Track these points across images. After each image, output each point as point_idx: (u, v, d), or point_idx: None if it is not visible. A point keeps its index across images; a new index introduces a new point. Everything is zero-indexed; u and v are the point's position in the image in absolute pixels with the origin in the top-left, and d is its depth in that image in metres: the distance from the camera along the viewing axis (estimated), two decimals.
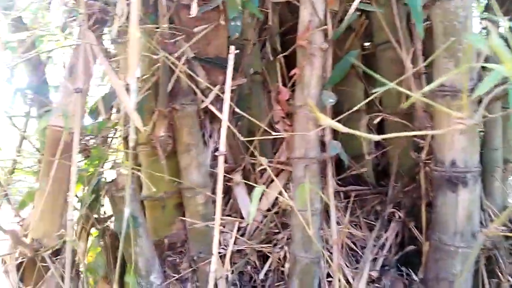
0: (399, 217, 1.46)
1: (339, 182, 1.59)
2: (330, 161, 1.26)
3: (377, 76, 0.77)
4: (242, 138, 1.24)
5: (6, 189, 1.63)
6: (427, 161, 1.28)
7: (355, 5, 1.16)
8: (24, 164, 1.90)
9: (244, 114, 1.21)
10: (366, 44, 1.80)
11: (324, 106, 1.23)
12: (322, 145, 1.26)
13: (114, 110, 1.46)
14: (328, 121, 1.20)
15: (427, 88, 0.71)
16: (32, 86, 1.75)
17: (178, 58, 1.20)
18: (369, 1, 1.40)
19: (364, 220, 1.53)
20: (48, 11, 1.73)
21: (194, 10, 1.00)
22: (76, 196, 1.58)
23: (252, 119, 1.22)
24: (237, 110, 1.28)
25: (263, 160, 1.19)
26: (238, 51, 0.97)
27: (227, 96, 0.84)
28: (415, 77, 1.32)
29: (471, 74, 1.09)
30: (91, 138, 1.48)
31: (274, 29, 1.63)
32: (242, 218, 1.44)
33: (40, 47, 1.69)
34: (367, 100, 0.95)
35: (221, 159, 0.87)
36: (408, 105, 0.92)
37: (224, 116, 0.81)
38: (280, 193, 1.38)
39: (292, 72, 1.26)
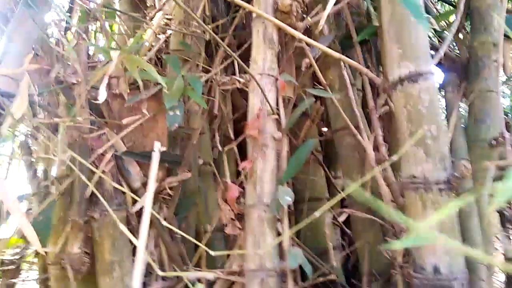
0: None
1: None
2: (290, 274, 1.03)
3: None
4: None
5: None
6: (404, 265, 1.09)
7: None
8: None
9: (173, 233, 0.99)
10: (324, 129, 1.70)
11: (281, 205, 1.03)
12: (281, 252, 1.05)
13: None
14: (286, 225, 1.00)
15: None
16: None
17: (102, 155, 0.99)
18: (323, 88, 1.31)
19: None
20: None
21: (102, 96, 0.80)
22: None
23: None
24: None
25: (210, 275, 0.95)
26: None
27: (148, 202, 0.63)
28: (378, 164, 1.18)
29: (444, 164, 0.95)
30: None
31: (225, 116, 1.50)
32: None
33: None
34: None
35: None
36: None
37: (143, 234, 0.59)
38: None
39: (242, 165, 1.07)
